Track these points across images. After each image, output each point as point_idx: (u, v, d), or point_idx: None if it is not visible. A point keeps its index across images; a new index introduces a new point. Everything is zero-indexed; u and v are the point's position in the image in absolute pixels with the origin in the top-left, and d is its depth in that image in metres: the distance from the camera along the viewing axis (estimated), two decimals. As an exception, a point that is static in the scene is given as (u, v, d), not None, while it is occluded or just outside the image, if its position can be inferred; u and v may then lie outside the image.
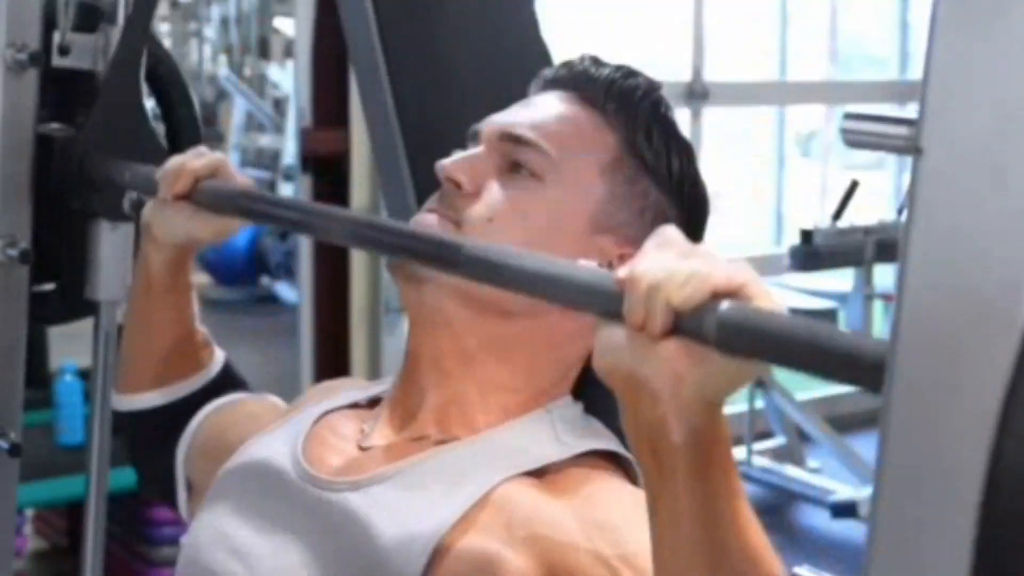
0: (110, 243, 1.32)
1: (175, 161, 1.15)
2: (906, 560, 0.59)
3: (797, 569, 1.50)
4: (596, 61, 1.13)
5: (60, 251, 1.32)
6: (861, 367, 0.62)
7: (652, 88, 1.11)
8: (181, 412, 1.28)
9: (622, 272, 0.72)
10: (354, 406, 1.16)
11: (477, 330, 1.07)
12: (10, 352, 1.30)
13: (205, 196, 1.13)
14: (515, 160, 1.07)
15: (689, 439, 0.70)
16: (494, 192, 1.06)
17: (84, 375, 3.00)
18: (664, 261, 0.71)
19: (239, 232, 1.23)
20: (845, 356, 0.63)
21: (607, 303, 0.73)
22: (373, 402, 1.16)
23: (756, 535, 0.73)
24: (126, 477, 3.11)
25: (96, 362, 1.35)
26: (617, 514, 0.94)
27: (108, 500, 1.37)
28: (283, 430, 1.14)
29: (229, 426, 1.25)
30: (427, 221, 1.07)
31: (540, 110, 1.10)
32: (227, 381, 1.31)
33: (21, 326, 1.30)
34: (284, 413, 1.23)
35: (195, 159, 1.14)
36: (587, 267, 0.80)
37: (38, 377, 3.17)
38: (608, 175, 1.08)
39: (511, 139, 1.08)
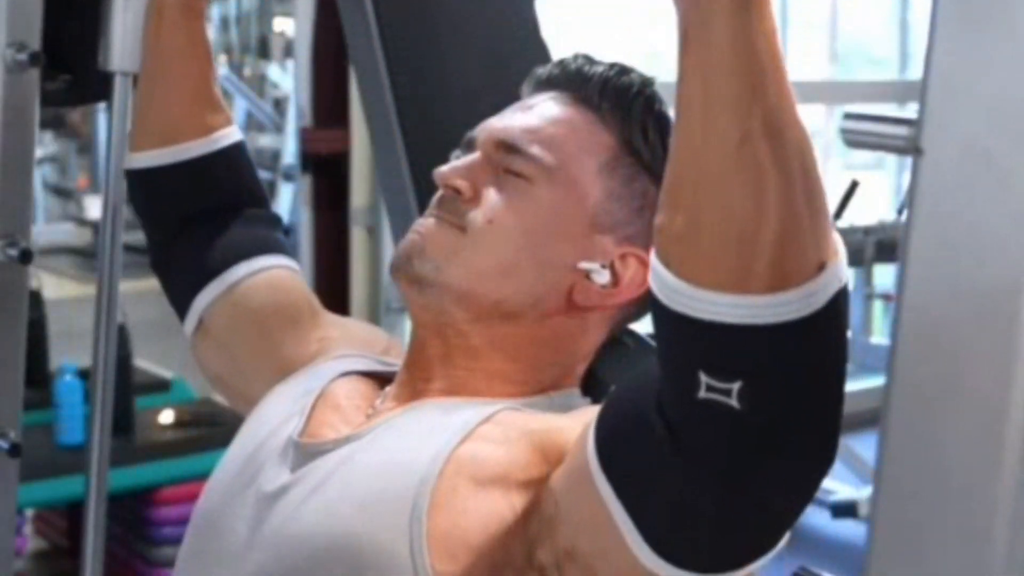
0: (123, 15, 1.30)
1: None
2: (906, 560, 0.59)
3: (797, 569, 1.50)
4: (589, 60, 1.13)
5: (72, 31, 1.30)
6: None
7: (646, 85, 1.11)
8: (194, 179, 1.26)
9: None
10: (370, 376, 1.17)
11: (481, 331, 1.07)
12: (10, 352, 1.30)
13: None
14: (511, 166, 1.07)
15: None
16: (493, 197, 1.07)
17: (84, 375, 3.00)
18: None
19: None
20: None
21: None
22: (388, 379, 1.17)
23: (789, 81, 0.76)
24: (126, 477, 3.13)
25: (96, 362, 1.35)
26: None
27: (108, 500, 1.37)
28: (293, 391, 1.15)
29: (264, 309, 1.24)
30: (429, 225, 1.08)
31: (535, 114, 1.10)
32: (238, 162, 1.29)
33: (21, 326, 1.30)
34: (317, 340, 1.23)
35: None
36: None
37: (38, 377, 3.17)
38: (605, 175, 1.08)
39: (506, 146, 1.08)
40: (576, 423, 0.95)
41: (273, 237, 1.29)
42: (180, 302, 1.28)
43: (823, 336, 0.77)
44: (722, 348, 0.76)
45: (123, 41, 1.30)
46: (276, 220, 1.32)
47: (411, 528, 0.93)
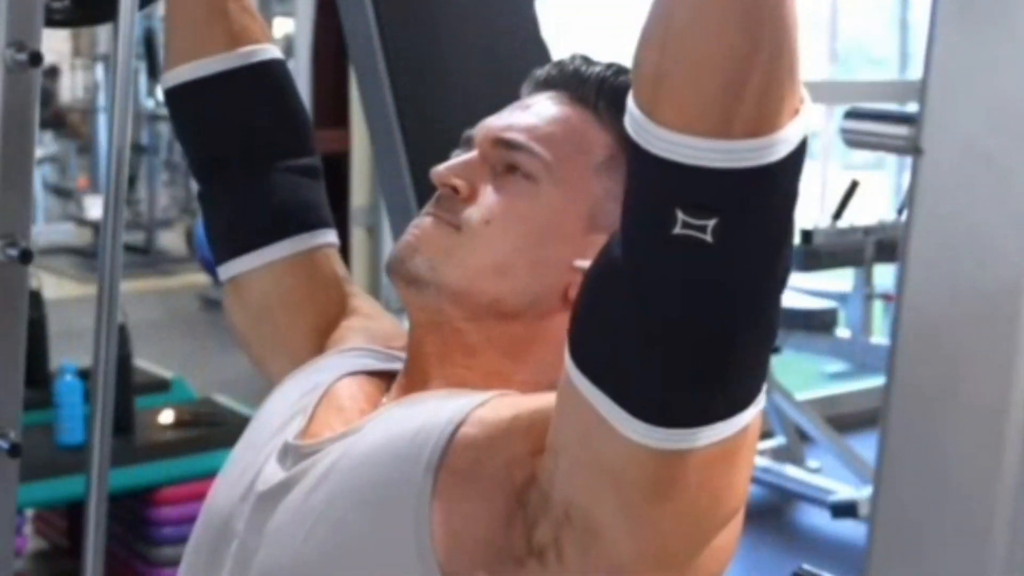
0: None
1: None
2: (906, 560, 0.59)
3: (797, 569, 1.50)
4: (587, 60, 1.13)
5: None
6: None
7: None
8: (219, 95, 1.25)
9: None
10: (374, 375, 1.17)
11: (478, 330, 1.08)
12: (10, 352, 1.30)
13: None
14: (509, 164, 1.08)
15: None
16: (490, 195, 1.07)
17: (84, 375, 3.00)
18: None
19: None
20: None
21: None
22: (391, 376, 1.17)
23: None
24: (126, 477, 3.13)
25: (96, 362, 1.35)
26: None
27: (108, 500, 1.37)
28: (303, 383, 1.15)
29: (297, 294, 1.25)
30: (425, 224, 1.08)
31: (532, 113, 1.10)
32: (276, 81, 1.28)
33: (21, 326, 1.30)
34: (331, 342, 1.23)
35: None
36: None
37: (38, 377, 3.18)
38: (603, 174, 1.08)
39: (504, 144, 1.08)
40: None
41: (315, 205, 1.29)
42: (217, 248, 1.28)
43: (793, 176, 0.79)
44: (703, 189, 0.78)
45: None
46: (316, 172, 1.31)
47: (415, 516, 0.93)
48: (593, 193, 1.08)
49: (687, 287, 0.80)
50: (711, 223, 0.78)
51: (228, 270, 1.27)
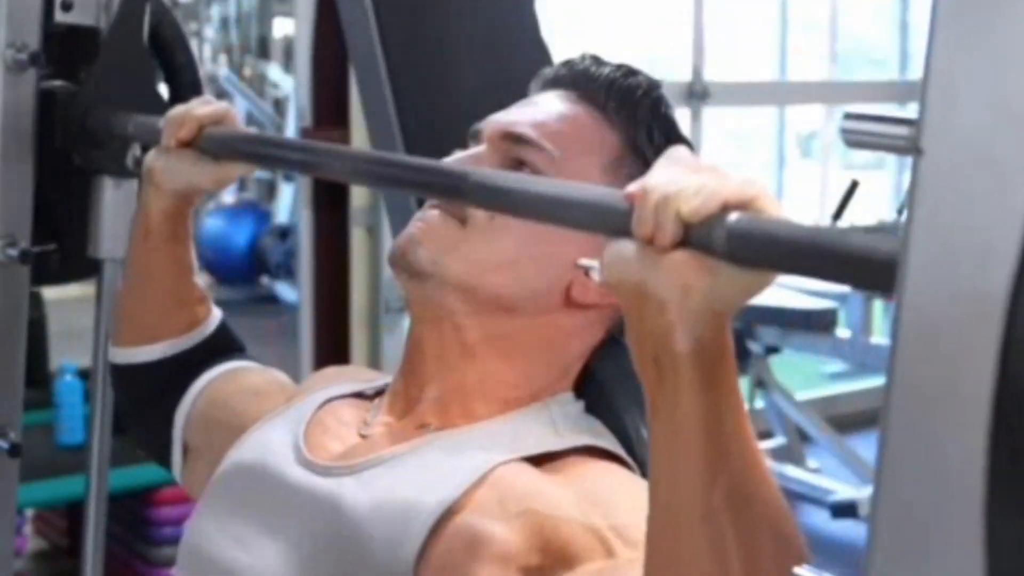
0: (113, 200, 1.31)
1: (180, 108, 1.17)
2: (906, 560, 0.59)
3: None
4: (597, 60, 1.13)
5: (61, 210, 1.32)
6: (872, 268, 0.61)
7: (652, 87, 1.11)
8: (177, 369, 1.27)
9: (632, 187, 0.72)
10: (357, 396, 1.17)
11: (479, 325, 1.07)
12: (10, 352, 1.30)
13: (209, 143, 1.13)
14: (517, 159, 1.07)
15: (695, 349, 0.70)
16: None
17: (84, 375, 3.00)
18: (674, 176, 0.71)
19: (236, 180, 1.24)
20: (857, 258, 0.62)
21: (617, 221, 0.73)
22: (376, 393, 1.17)
23: (756, 450, 0.73)
24: (126, 477, 3.12)
25: (96, 362, 1.35)
26: (610, 487, 0.95)
27: (108, 500, 1.37)
28: (284, 417, 1.14)
29: (232, 395, 1.25)
30: (430, 217, 1.08)
31: (541, 109, 1.10)
32: (224, 341, 1.30)
33: (21, 326, 1.30)
34: (287, 396, 1.23)
35: (201, 106, 1.16)
36: (596, 188, 0.80)
37: (38, 377, 3.17)
38: (610, 174, 1.08)
39: (513, 138, 1.08)
40: (579, 512, 0.92)
41: (230, 348, 1.31)
42: (159, 448, 1.29)
43: None
44: None
45: (112, 229, 1.31)
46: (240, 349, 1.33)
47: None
48: (599, 192, 1.08)
49: None
50: None
51: (175, 444, 1.27)
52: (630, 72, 1.12)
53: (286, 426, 1.12)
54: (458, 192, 0.87)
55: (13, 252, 1.25)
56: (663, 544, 0.75)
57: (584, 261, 1.09)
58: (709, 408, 0.71)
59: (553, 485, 0.96)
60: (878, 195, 6.02)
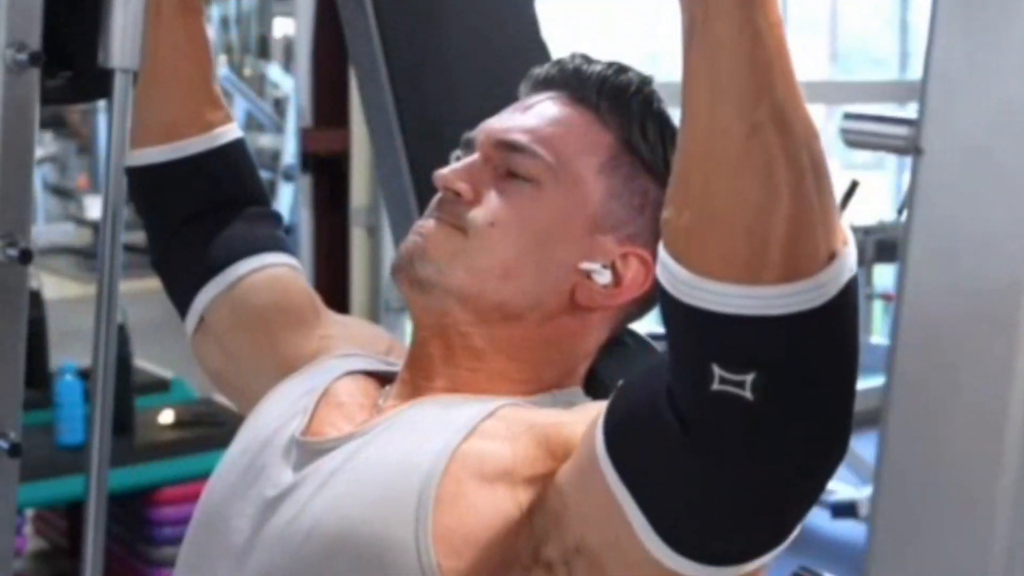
0: (123, 12, 1.31)
1: None
2: (906, 560, 0.59)
3: (797, 569, 1.50)
4: (587, 59, 1.12)
5: (73, 34, 1.31)
6: None
7: (644, 83, 1.11)
8: (190, 176, 1.26)
9: None
10: (373, 376, 1.17)
11: (484, 333, 1.07)
12: (10, 352, 1.30)
13: None
14: (512, 167, 1.07)
15: None
16: (494, 198, 1.07)
17: (84, 375, 3.00)
18: None
19: None
20: None
21: None
22: (390, 379, 1.17)
23: (795, 74, 0.75)
24: (126, 477, 3.12)
25: (96, 362, 1.35)
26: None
27: (108, 500, 1.37)
28: (300, 385, 1.15)
29: (266, 309, 1.24)
30: (430, 227, 1.08)
31: (534, 114, 1.10)
32: (239, 158, 1.29)
33: (21, 326, 1.30)
34: (319, 336, 1.23)
35: None
36: None
37: (38, 377, 3.17)
38: (606, 174, 1.08)
39: (506, 146, 1.08)
40: (580, 418, 0.95)
41: (275, 235, 1.29)
42: (181, 300, 1.28)
43: (835, 326, 0.76)
44: (735, 340, 0.76)
45: (123, 38, 1.30)
46: (277, 217, 1.32)
47: (416, 524, 0.93)
48: (596, 194, 1.08)
49: (732, 446, 0.78)
50: (749, 378, 0.75)
51: (193, 311, 1.26)
52: (621, 69, 1.11)
53: (294, 399, 1.13)
54: None
55: (13, 252, 1.25)
56: (704, 170, 0.76)
57: (587, 265, 1.09)
58: (748, 22, 0.74)
59: (560, 413, 1.00)
60: (878, 195, 6.02)
